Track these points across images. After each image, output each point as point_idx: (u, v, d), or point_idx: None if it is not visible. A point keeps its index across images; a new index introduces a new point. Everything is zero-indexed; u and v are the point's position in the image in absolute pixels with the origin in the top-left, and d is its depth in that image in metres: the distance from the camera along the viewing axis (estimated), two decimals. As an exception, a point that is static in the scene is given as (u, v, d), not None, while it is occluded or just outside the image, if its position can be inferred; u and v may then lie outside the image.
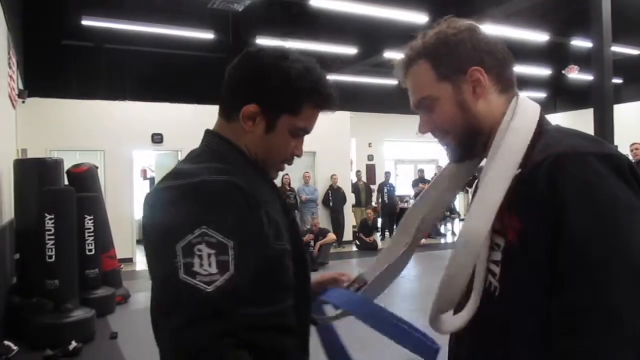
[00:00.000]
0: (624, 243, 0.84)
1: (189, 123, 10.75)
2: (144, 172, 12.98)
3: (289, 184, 11.30)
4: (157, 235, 1.02)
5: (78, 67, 12.43)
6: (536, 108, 1.05)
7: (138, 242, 11.81)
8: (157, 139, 10.58)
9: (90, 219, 6.03)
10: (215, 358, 0.92)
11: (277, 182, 9.21)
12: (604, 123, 7.84)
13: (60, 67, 11.95)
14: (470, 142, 1.09)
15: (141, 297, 7.26)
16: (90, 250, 6.01)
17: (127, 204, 10.17)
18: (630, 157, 6.64)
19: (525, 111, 1.03)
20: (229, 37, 12.42)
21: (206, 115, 10.87)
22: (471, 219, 0.97)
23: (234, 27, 11.96)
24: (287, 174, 11.33)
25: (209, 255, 0.95)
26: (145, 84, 12.86)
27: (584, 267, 0.84)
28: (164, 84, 12.29)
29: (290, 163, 1.26)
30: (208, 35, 10.57)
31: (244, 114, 1.13)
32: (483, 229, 0.95)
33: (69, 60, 12.24)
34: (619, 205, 0.86)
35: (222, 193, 1.01)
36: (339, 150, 12.28)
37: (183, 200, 1.00)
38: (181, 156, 10.56)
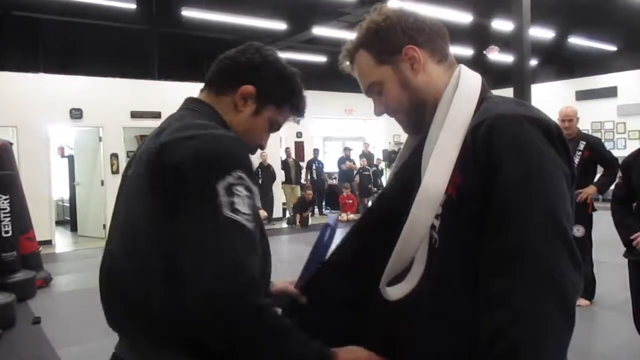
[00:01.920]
0: (545, 194, 0.92)
1: (111, 98, 10.34)
2: (62, 149, 12.28)
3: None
4: (193, 179, 1.03)
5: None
6: (478, 77, 1.14)
7: (57, 223, 11.24)
8: (76, 114, 10.02)
9: (6, 199, 5.64)
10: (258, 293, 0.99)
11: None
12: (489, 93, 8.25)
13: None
14: (418, 114, 1.15)
15: (63, 280, 6.93)
16: (6, 232, 5.63)
17: (45, 183, 9.61)
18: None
19: (468, 80, 1.12)
20: (152, 8, 11.88)
21: (128, 90, 10.48)
22: (430, 175, 1.02)
23: (157, -3, 11.47)
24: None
25: (245, 197, 1.03)
26: (61, 56, 12.11)
27: (510, 214, 0.91)
28: (82, 56, 11.64)
29: (253, 153, 1.30)
30: (130, 5, 10.03)
31: (242, 92, 1.25)
32: (442, 184, 1.01)
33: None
34: (544, 161, 0.94)
35: (241, 144, 1.13)
36: (268, 127, 12.19)
37: (216, 146, 1.08)
38: (102, 133, 10.19)
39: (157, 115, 10.76)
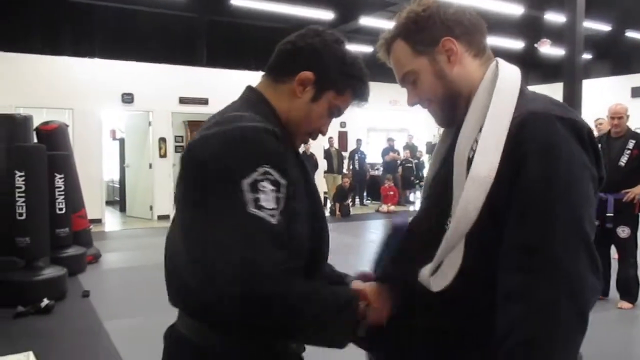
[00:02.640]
0: (570, 196, 0.94)
1: (161, 83, 10.62)
2: (114, 132, 12.73)
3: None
4: (218, 175, 1.05)
5: (43, 22, 11.98)
6: (517, 70, 1.16)
7: (107, 203, 11.68)
8: (127, 99, 10.35)
9: (60, 178, 5.92)
10: (279, 284, 1.01)
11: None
12: (573, 97, 8.03)
13: (23, 20, 11.50)
14: (451, 106, 1.17)
15: (111, 257, 7.24)
16: (60, 210, 5.92)
17: (96, 164, 10.00)
18: (595, 132, 6.84)
19: (509, 71, 1.14)
20: (203, -4, 12.14)
21: (177, 76, 10.71)
22: (481, 157, 1.02)
23: (208, -14, 11.69)
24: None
25: (271, 191, 1.04)
26: (114, 42, 12.50)
27: (534, 211, 0.95)
28: (134, 42, 11.98)
29: (314, 137, 1.34)
30: (180, -7, 10.28)
31: (300, 78, 1.23)
32: (492, 167, 1.01)
33: (32, 15, 11.77)
34: (573, 162, 0.96)
35: (270, 137, 1.10)
36: (312, 115, 12.26)
37: (242, 142, 1.08)
38: (152, 117, 10.50)
39: (204, 101, 11.02)
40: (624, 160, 4.64)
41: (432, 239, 1.10)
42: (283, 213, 1.05)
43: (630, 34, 13.08)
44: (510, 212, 0.97)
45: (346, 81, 1.26)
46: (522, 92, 1.10)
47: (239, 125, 1.10)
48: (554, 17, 11.18)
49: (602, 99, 13.82)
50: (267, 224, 1.02)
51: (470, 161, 1.06)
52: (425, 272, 1.10)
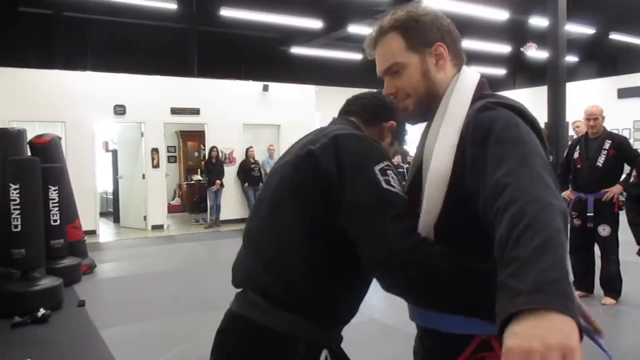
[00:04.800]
0: (533, 144, 1.07)
1: (152, 94, 10.72)
2: (106, 144, 12.80)
3: (254, 157, 11.38)
4: (359, 162, 1.26)
5: (36, 36, 12.08)
6: (476, 77, 1.31)
7: (101, 214, 11.74)
8: (119, 110, 10.45)
9: (55, 190, 6.02)
10: (415, 248, 1.16)
11: (242, 154, 9.27)
12: (557, 99, 8.19)
13: (16, 35, 11.59)
14: (427, 105, 1.30)
15: (106, 267, 7.33)
16: (55, 221, 6.01)
17: (90, 176, 10.07)
18: (573, 134, 7.01)
19: (466, 79, 1.29)
20: (192, 8, 12.26)
21: (169, 87, 10.77)
22: (437, 160, 1.19)
23: (197, -3, 11.82)
24: (251, 147, 11.40)
25: (393, 177, 1.26)
26: (106, 55, 12.61)
27: (507, 153, 1.03)
28: (126, 54, 12.09)
29: None
30: (171, 6, 10.40)
31: (389, 125, 1.56)
32: (447, 165, 1.17)
33: (26, 29, 11.88)
34: (525, 126, 1.11)
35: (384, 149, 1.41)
36: (303, 123, 12.31)
37: (366, 141, 1.34)
38: (144, 128, 10.59)
39: (196, 111, 11.13)
40: (601, 160, 4.78)
41: None
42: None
43: (615, 36, 13.28)
44: (485, 168, 1.06)
45: (404, 132, 1.64)
46: (482, 96, 1.24)
47: (356, 132, 1.40)
48: (539, 22, 11.37)
49: (589, 101, 14.04)
50: (400, 196, 1.23)
51: None
52: None
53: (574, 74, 13.36)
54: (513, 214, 0.90)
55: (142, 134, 10.70)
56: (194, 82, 11.56)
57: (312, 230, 1.28)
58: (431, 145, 1.25)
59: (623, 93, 14.81)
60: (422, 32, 1.29)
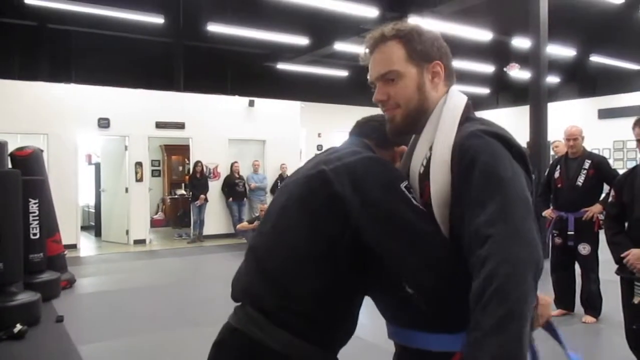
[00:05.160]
0: (516, 181, 1.12)
1: (137, 108, 10.68)
2: (89, 157, 12.70)
3: (238, 172, 11.35)
4: (385, 183, 1.26)
5: (20, 47, 12.00)
6: (463, 100, 1.34)
7: (83, 228, 11.60)
8: (103, 123, 10.38)
9: (35, 203, 5.93)
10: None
11: (227, 168, 9.23)
12: (539, 119, 8.32)
13: (0, 46, 11.51)
14: (414, 119, 1.31)
15: (86, 282, 7.21)
16: (35, 234, 5.92)
17: (72, 189, 9.96)
18: (553, 153, 7.12)
19: (454, 104, 1.31)
20: (180, 22, 12.29)
21: (154, 101, 10.73)
22: (436, 184, 1.21)
23: (185, 12, 11.85)
24: (236, 162, 11.38)
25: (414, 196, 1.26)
26: (91, 67, 12.55)
27: (491, 194, 1.09)
28: (111, 67, 12.05)
29: None
30: (158, 20, 10.42)
31: (400, 151, 1.51)
32: (446, 189, 1.20)
33: (10, 40, 11.80)
34: (512, 162, 1.16)
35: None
36: (288, 139, 12.41)
37: (384, 161, 1.34)
38: (128, 141, 10.53)
39: (181, 125, 11.10)
40: (581, 180, 4.85)
41: None
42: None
43: (595, 58, 13.56)
44: (467, 204, 1.12)
45: None
46: (468, 119, 1.28)
47: (372, 154, 1.37)
48: (521, 42, 11.58)
49: (570, 121, 14.29)
50: (422, 211, 1.23)
51: (420, 174, 1.26)
52: None
53: (555, 94, 13.59)
54: (486, 275, 1.01)
55: (126, 148, 10.63)
56: (179, 96, 11.55)
57: (323, 250, 1.27)
58: (416, 163, 1.28)
59: (603, 114, 15.11)
60: (424, 47, 1.31)
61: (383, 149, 1.48)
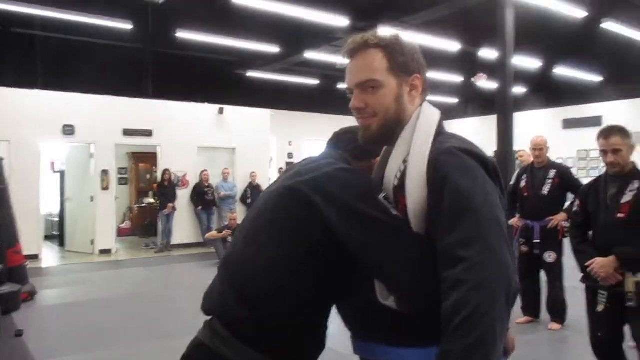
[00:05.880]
0: (489, 200, 1.13)
1: (104, 115, 10.47)
2: (53, 164, 12.37)
3: (208, 180, 11.22)
4: (361, 193, 1.25)
5: (-18, 51, 11.64)
6: (437, 114, 1.34)
7: (46, 237, 11.29)
8: (68, 130, 10.13)
9: (-6, 213, 5.74)
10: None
11: (196, 177, 9.11)
12: (506, 128, 8.47)
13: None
14: (390, 130, 1.30)
15: (49, 294, 7.00)
16: (-6, 245, 5.72)
17: (34, 198, 9.68)
18: (518, 162, 7.26)
19: (429, 115, 1.32)
20: (148, 29, 12.12)
21: (121, 108, 10.53)
22: (412, 194, 1.20)
23: (153, 18, 11.69)
24: (205, 170, 11.25)
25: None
26: (57, 73, 12.26)
27: (463, 214, 1.10)
28: (78, 73, 11.78)
29: None
30: (127, 26, 10.26)
31: (376, 162, 1.49)
32: (422, 203, 1.19)
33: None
34: (486, 180, 1.17)
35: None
36: (258, 147, 12.34)
37: (360, 174, 1.33)
38: (94, 149, 10.31)
39: (148, 133, 10.93)
40: (546, 189, 4.94)
41: None
42: None
43: (560, 69, 13.91)
44: (439, 224, 1.13)
45: None
46: (440, 133, 1.28)
47: (344, 165, 1.36)
48: (489, 53, 11.80)
49: (536, 131, 14.60)
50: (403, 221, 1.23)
51: (395, 187, 1.25)
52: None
53: (521, 104, 13.85)
54: (457, 301, 1.02)
55: (91, 155, 10.41)
56: (147, 103, 11.37)
57: (300, 263, 1.25)
58: (390, 176, 1.27)
59: (567, 124, 15.49)
60: (405, 60, 1.30)
61: (360, 161, 1.48)
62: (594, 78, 14.48)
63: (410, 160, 1.23)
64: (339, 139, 1.57)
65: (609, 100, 14.46)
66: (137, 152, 13.01)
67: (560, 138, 14.06)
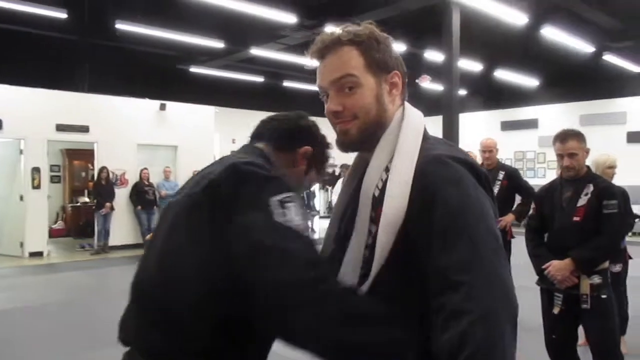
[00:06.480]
0: (485, 216, 1.02)
1: (35, 109, 9.88)
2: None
3: (148, 179, 10.81)
4: (253, 194, 1.14)
5: None
6: (420, 116, 1.22)
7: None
8: (-5, 125, 9.48)
9: None
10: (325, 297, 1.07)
11: (136, 175, 8.75)
12: (451, 129, 8.60)
13: None
14: (370, 133, 1.17)
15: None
16: None
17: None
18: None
19: (414, 119, 1.20)
20: (84, 18, 11.53)
21: (55, 102, 10.00)
22: (393, 199, 1.06)
23: (90, 8, 11.12)
24: (146, 168, 10.84)
25: (295, 210, 1.15)
26: (-18, 63, 11.46)
27: (458, 232, 0.99)
28: (8, 64, 11.05)
29: None
30: (61, 15, 9.68)
31: (304, 151, 1.46)
32: (402, 208, 1.06)
33: None
34: (479, 192, 1.06)
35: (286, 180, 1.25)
36: (201, 145, 12.02)
37: (262, 171, 1.20)
38: (24, 145, 9.69)
39: (85, 129, 10.41)
40: (495, 190, 4.99)
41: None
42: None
43: (499, 73, 14.33)
44: (428, 243, 1.00)
45: (323, 160, 1.52)
46: (425, 137, 1.16)
47: (262, 163, 1.26)
48: (433, 56, 11.98)
49: (477, 132, 15.03)
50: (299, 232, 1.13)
51: (375, 199, 1.10)
52: None
53: (463, 105, 14.19)
54: (462, 332, 0.91)
55: (21, 152, 9.78)
56: (83, 98, 10.82)
57: (215, 283, 1.10)
58: (370, 184, 1.13)
59: (506, 126, 16.04)
60: (382, 56, 1.18)
61: (283, 152, 1.41)
62: (531, 82, 15.03)
63: (395, 167, 1.09)
64: (264, 128, 1.47)
65: (545, 103, 15.07)
66: (72, 148, 12.38)
67: (499, 139, 14.43)
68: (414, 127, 1.16)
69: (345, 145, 1.21)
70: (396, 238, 1.05)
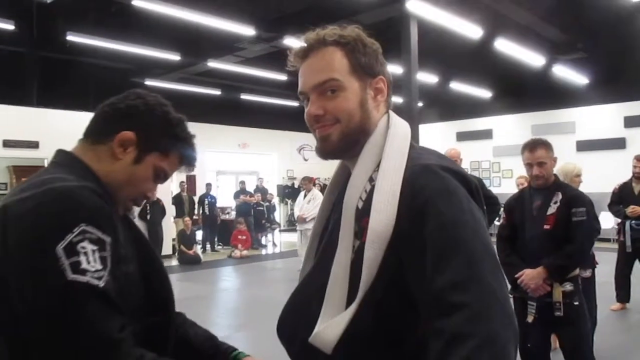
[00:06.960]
0: (479, 229, 0.96)
1: (-19, 124, 9.40)
2: None
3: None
4: (32, 245, 0.96)
5: None
6: (406, 125, 1.15)
7: None
8: (-64, 141, 8.98)
9: None
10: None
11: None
12: (413, 140, 8.69)
13: None
14: (352, 139, 1.11)
15: None
16: None
17: None
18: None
19: (400, 128, 1.13)
20: (33, 30, 11.13)
21: (1, 117, 9.51)
22: (378, 214, 0.99)
23: (39, 19, 10.74)
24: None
25: (92, 251, 0.97)
26: None
27: (454, 249, 0.92)
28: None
29: (139, 203, 1.26)
30: (8, 26, 9.31)
31: (121, 138, 1.16)
32: (391, 221, 0.99)
33: None
34: (471, 204, 0.99)
35: (87, 195, 1.02)
36: (159, 159, 11.73)
37: (53, 204, 0.99)
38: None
39: (34, 145, 9.99)
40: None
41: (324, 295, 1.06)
42: (112, 272, 0.99)
43: (454, 85, 14.65)
44: (420, 260, 0.94)
45: (171, 142, 1.21)
46: (412, 146, 1.10)
47: (50, 187, 1.02)
48: (390, 68, 12.12)
49: (434, 143, 15.30)
50: (95, 288, 0.95)
51: (358, 210, 1.04)
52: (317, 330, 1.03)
53: (421, 117, 14.42)
54: (466, 358, 0.84)
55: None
56: (32, 112, 10.39)
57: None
58: (353, 196, 1.06)
59: (461, 136, 16.38)
60: (368, 60, 1.12)
61: (99, 144, 1.17)
62: (485, 94, 15.42)
63: (382, 177, 1.03)
64: (89, 125, 1.23)
65: (499, 114, 15.48)
66: (20, 165, 11.85)
67: (455, 150, 14.79)
68: (401, 135, 1.10)
69: (325, 152, 1.14)
70: (384, 254, 0.98)
